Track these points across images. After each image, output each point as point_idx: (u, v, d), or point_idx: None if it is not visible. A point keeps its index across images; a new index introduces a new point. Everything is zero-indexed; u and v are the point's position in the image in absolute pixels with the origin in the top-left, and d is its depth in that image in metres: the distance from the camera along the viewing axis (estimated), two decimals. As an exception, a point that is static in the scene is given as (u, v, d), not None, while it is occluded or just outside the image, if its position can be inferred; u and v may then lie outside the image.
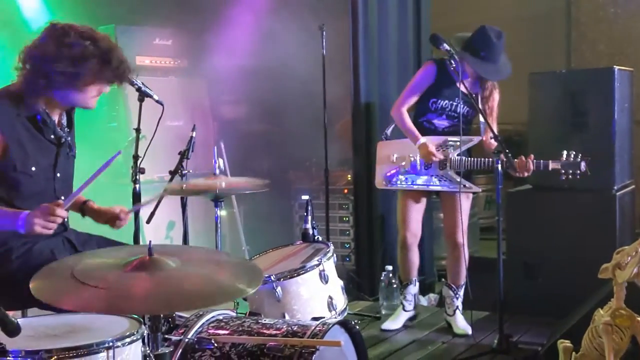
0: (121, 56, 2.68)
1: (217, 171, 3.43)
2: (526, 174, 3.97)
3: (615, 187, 4.50)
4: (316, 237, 3.30)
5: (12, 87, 2.68)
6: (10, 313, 1.79)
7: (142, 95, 3.12)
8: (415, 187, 4.32)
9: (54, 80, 2.59)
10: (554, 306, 4.44)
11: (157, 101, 3.15)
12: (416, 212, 4.40)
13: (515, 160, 3.93)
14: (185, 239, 3.62)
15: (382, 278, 4.94)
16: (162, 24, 5.49)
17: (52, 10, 4.89)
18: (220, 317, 2.57)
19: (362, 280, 5.29)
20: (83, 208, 2.94)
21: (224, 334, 2.41)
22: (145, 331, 2.12)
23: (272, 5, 5.26)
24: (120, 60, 2.66)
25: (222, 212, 5.76)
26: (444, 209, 4.44)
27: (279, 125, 5.42)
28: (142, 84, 3.08)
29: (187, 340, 2.39)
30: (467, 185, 4.19)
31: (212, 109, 5.82)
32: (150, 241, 2.09)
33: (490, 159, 4.01)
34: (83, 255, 2.20)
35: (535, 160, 3.96)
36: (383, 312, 4.85)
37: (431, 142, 4.21)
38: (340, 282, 3.10)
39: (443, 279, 4.59)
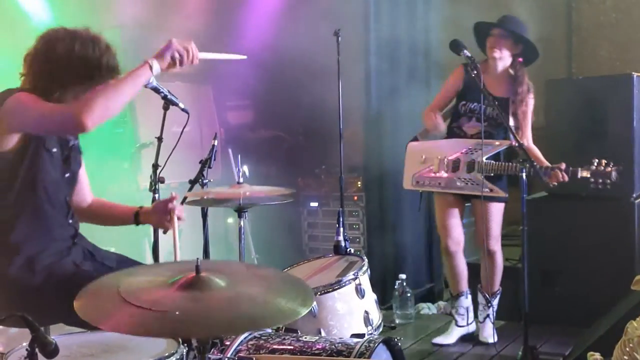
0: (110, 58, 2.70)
1: (241, 179, 3.32)
2: (555, 184, 3.93)
3: (634, 195, 4.46)
4: (348, 250, 3.20)
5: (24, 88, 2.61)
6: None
7: (168, 103, 3.02)
8: (441, 189, 4.24)
9: (58, 78, 2.55)
10: (571, 315, 4.42)
11: (182, 109, 3.05)
12: (454, 217, 4.33)
13: (544, 168, 3.92)
14: (205, 249, 3.53)
15: (395, 287, 4.88)
16: (167, 28, 5.38)
17: (57, 15, 4.76)
18: (258, 335, 2.49)
19: (373, 288, 5.19)
20: (138, 214, 2.79)
21: (265, 354, 2.32)
22: (184, 351, 2.04)
23: (282, 10, 5.17)
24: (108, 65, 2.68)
25: (229, 220, 5.68)
26: (475, 215, 4.38)
27: (287, 131, 5.32)
28: (168, 91, 2.97)
29: None
30: (490, 189, 4.07)
31: (219, 114, 5.71)
32: (198, 258, 2.00)
33: (517, 164, 3.88)
34: (128, 271, 2.09)
35: (564, 169, 3.90)
36: (397, 321, 4.80)
37: (458, 142, 4.20)
38: (374, 296, 3.01)
39: (479, 285, 4.39)
